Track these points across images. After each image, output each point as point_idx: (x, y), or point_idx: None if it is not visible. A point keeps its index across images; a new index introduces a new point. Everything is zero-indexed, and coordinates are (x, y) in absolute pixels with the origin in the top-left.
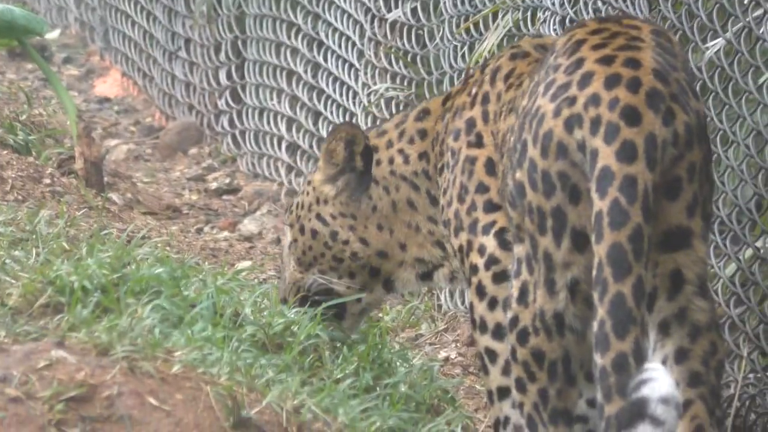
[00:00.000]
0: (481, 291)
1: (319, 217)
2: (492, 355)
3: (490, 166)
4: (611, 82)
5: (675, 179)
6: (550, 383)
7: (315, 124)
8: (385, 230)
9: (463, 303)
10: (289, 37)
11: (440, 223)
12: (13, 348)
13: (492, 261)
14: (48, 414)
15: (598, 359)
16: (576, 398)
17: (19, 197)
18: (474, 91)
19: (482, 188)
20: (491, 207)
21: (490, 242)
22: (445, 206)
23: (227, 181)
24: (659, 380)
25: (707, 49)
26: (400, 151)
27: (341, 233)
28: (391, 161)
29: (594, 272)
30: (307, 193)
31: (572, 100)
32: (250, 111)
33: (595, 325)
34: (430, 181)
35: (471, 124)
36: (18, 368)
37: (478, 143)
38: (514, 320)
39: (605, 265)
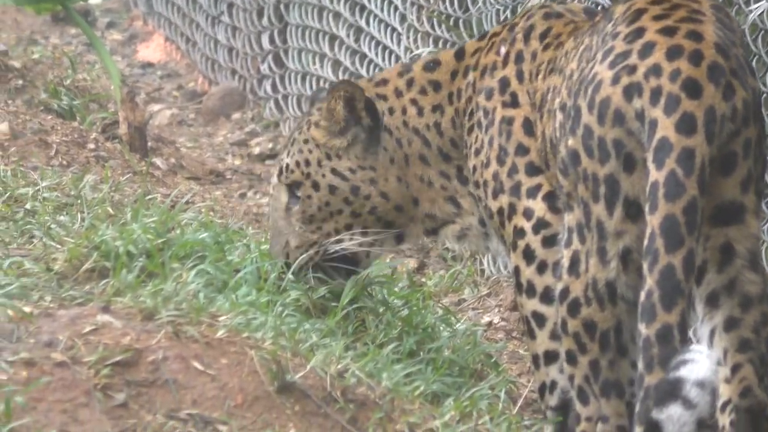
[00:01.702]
0: (529, 254)
1: (335, 172)
2: (540, 319)
3: (528, 127)
4: (673, 53)
5: (731, 154)
6: (601, 354)
7: None
8: (403, 183)
9: (506, 267)
10: (331, 1)
11: (456, 178)
12: (59, 313)
13: (541, 224)
14: (93, 378)
15: (643, 329)
16: (627, 370)
17: (64, 162)
18: (504, 49)
19: (522, 150)
20: (533, 170)
21: (538, 205)
22: (479, 166)
23: (270, 146)
24: (699, 363)
25: (751, 11)
26: (413, 101)
27: (363, 187)
28: (404, 111)
29: (646, 242)
30: (310, 151)
31: (632, 69)
32: (292, 75)
33: (642, 295)
34: (441, 138)
35: (505, 83)
36: (64, 333)
37: (514, 103)
38: (565, 291)
39: (657, 236)
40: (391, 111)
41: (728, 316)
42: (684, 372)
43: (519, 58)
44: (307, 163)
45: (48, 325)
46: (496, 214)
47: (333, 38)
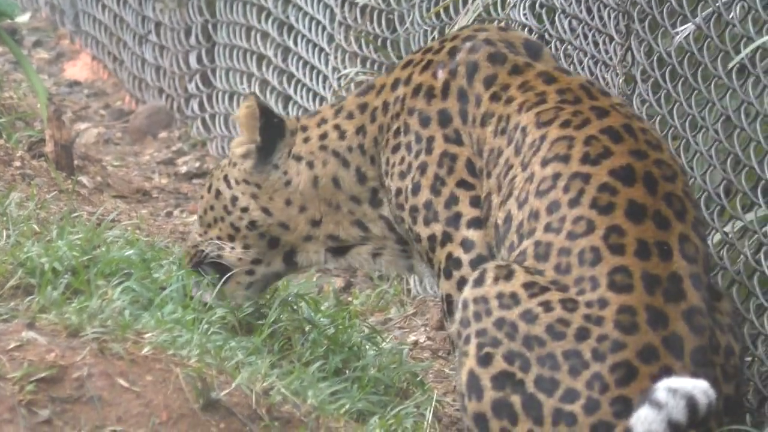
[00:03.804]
0: (463, 286)
1: (225, 178)
2: None
3: (471, 168)
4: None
5: None
6: None
7: (285, 108)
8: (293, 206)
9: (432, 288)
10: (259, 21)
11: (367, 202)
12: None
13: (480, 260)
14: (18, 394)
15: None
16: None
17: None
18: (441, 74)
19: (466, 185)
20: (477, 203)
21: (478, 239)
22: (403, 190)
23: (197, 164)
24: (676, 377)
25: (677, 34)
26: (336, 126)
27: (241, 199)
28: (323, 137)
29: None
30: (229, 155)
31: None
32: (220, 95)
33: None
34: (363, 156)
35: (446, 117)
36: None
37: (458, 141)
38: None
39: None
40: (306, 140)
41: None
42: (657, 384)
43: (462, 96)
44: (218, 166)
45: None
46: (425, 240)
47: (261, 58)
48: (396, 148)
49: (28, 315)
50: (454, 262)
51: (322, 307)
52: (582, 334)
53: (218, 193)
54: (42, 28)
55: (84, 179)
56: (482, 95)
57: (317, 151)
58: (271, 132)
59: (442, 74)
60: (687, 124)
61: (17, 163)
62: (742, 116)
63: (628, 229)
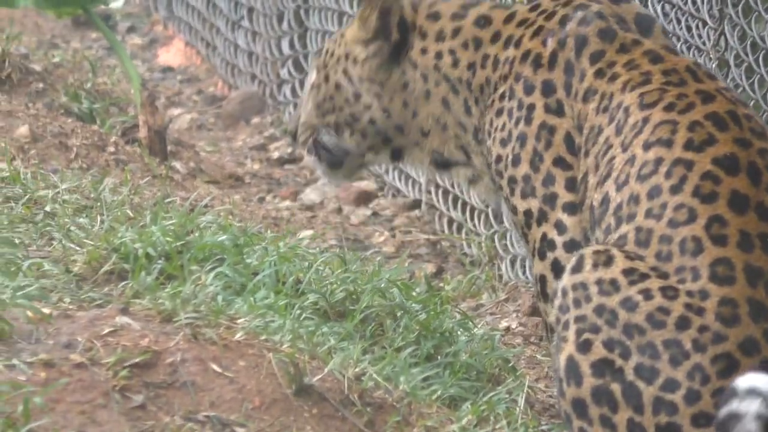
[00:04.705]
0: (558, 269)
1: (345, 72)
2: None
3: (570, 143)
4: None
5: None
6: None
7: None
8: (409, 109)
9: (524, 273)
10: (351, 6)
11: (471, 134)
12: (77, 314)
13: (574, 244)
14: (112, 380)
15: None
16: None
17: (84, 165)
18: (550, 43)
19: (562, 163)
20: (572, 186)
21: (571, 223)
22: (503, 158)
23: (289, 150)
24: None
25: None
26: (451, 51)
27: (365, 97)
28: (438, 56)
29: None
30: (339, 45)
31: None
32: None
33: None
34: (470, 93)
35: (550, 87)
36: (83, 334)
37: (559, 111)
38: None
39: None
40: (423, 52)
41: None
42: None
43: (568, 69)
44: (331, 54)
45: (67, 327)
46: (522, 214)
47: None
48: (499, 113)
49: (121, 300)
50: (548, 244)
51: (414, 293)
52: (683, 324)
53: (338, 86)
54: (135, 13)
55: (177, 165)
56: (587, 70)
57: (431, 69)
58: (402, 31)
59: (551, 43)
60: None
61: (111, 149)
62: None
63: (731, 219)
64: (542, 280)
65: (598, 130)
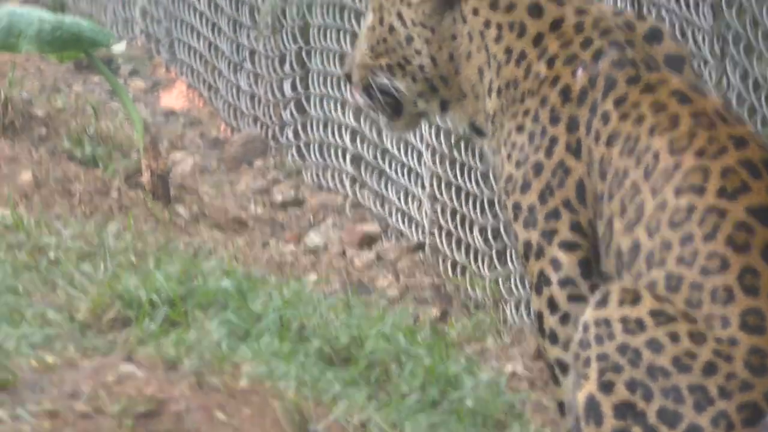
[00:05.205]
0: (554, 305)
1: (399, 15)
2: (564, 366)
3: (581, 190)
4: None
5: None
6: None
7: (379, 135)
8: (453, 63)
9: (528, 316)
10: (353, 48)
11: (501, 111)
12: (82, 363)
13: (568, 282)
14: (117, 429)
15: None
16: None
17: (87, 211)
18: (580, 77)
19: (570, 207)
20: (577, 228)
21: (568, 262)
22: (513, 179)
23: (292, 193)
24: None
25: None
26: (499, 26)
27: (416, 41)
28: (487, 25)
29: None
30: None
31: None
32: (314, 122)
33: None
34: (497, 76)
35: (575, 124)
36: (87, 383)
37: (577, 153)
38: None
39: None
40: (475, 12)
41: None
42: None
43: (593, 108)
44: None
45: (71, 376)
46: (521, 244)
47: None
48: (520, 130)
49: (126, 348)
50: (545, 279)
51: (419, 338)
52: (709, 370)
53: (392, 28)
54: (138, 57)
55: (180, 209)
56: (611, 113)
57: (477, 33)
58: None
59: (581, 76)
60: None
61: (114, 194)
62: None
63: (763, 271)
64: (539, 316)
65: (624, 174)
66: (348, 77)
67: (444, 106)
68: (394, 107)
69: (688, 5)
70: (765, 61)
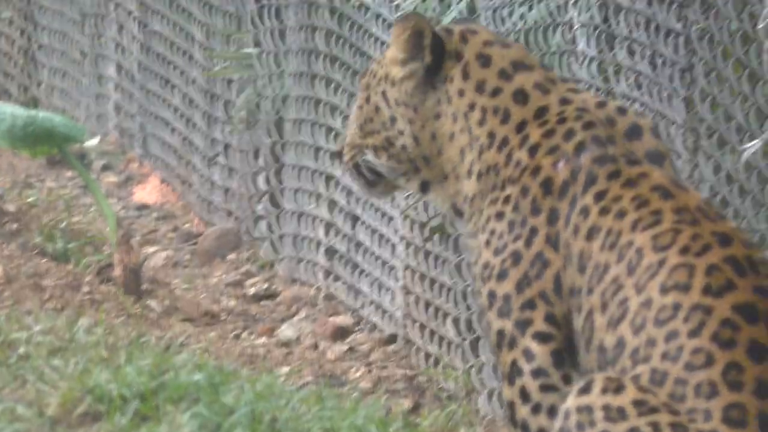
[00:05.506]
0: (525, 395)
1: (384, 95)
2: None
3: (558, 284)
4: None
5: None
6: None
7: (353, 227)
8: (436, 144)
9: (501, 407)
10: (327, 141)
11: (479, 197)
12: None
13: (541, 373)
14: None
15: None
16: None
17: (58, 306)
18: (561, 170)
19: (546, 299)
20: (551, 320)
21: (541, 353)
22: (490, 265)
23: (265, 286)
24: None
25: (744, 150)
26: (483, 110)
27: (399, 122)
28: (471, 107)
29: None
30: (381, 65)
31: None
32: (288, 216)
33: None
34: (478, 159)
35: (555, 216)
36: None
37: (555, 246)
38: None
39: None
40: (461, 93)
41: None
42: None
43: (573, 202)
44: (373, 75)
45: None
46: (494, 333)
47: (329, 178)
48: (500, 217)
49: None
50: (517, 370)
51: (391, 430)
52: None
53: (377, 109)
54: (111, 151)
55: (152, 303)
56: (590, 207)
57: (461, 114)
58: (436, 54)
59: (563, 169)
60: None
61: (86, 288)
62: None
63: (748, 367)
64: (511, 406)
65: (605, 268)
66: (339, 155)
67: (424, 187)
68: (373, 182)
69: (660, 99)
70: (737, 155)
